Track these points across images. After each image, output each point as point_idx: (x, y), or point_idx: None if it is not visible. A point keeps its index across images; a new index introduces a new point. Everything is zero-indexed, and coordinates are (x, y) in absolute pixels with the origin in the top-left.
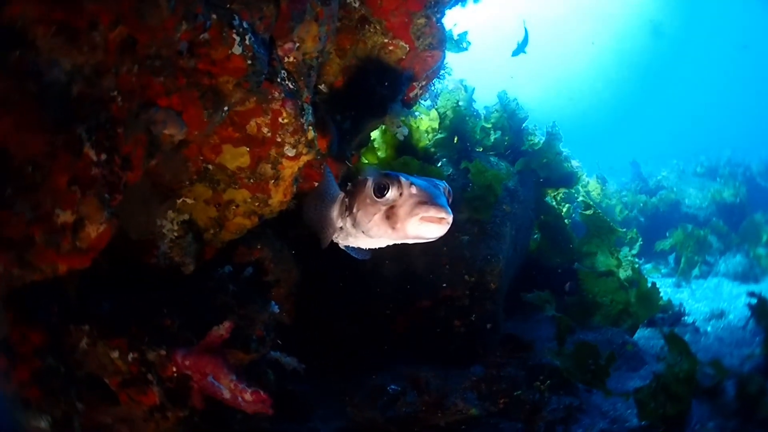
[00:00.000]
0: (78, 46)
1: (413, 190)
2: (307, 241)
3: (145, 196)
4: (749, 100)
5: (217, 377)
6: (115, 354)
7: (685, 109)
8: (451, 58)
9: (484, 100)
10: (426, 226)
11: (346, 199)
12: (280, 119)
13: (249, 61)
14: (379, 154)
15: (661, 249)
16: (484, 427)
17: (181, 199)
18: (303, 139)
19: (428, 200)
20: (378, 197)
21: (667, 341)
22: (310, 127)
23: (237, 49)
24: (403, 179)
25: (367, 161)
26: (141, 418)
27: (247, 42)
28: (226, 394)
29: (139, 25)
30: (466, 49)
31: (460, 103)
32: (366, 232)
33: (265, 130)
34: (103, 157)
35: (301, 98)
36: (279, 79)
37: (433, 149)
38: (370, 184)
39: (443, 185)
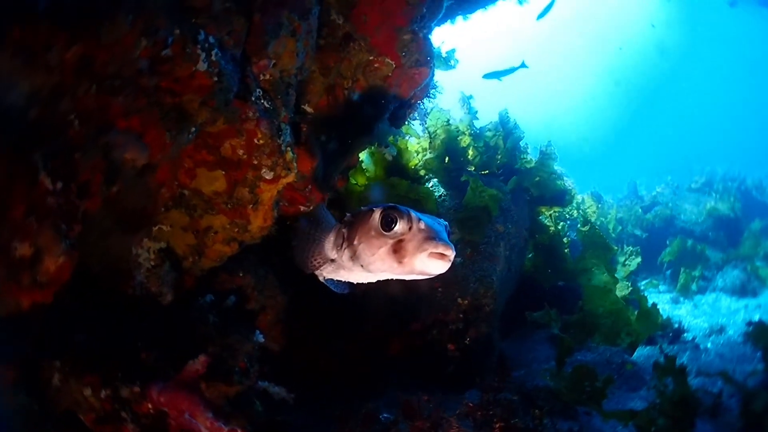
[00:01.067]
0: (36, 68)
1: (422, 225)
2: (293, 266)
3: (109, 224)
4: (749, 119)
5: (194, 414)
6: (88, 391)
7: (684, 128)
8: (442, 76)
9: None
10: (433, 262)
11: (344, 230)
12: (255, 140)
13: (215, 78)
14: (367, 174)
15: (660, 262)
16: None
17: (156, 227)
18: (281, 160)
19: (436, 236)
20: (385, 230)
21: (653, 369)
22: (289, 148)
23: (201, 66)
24: (413, 214)
25: (355, 182)
26: None
27: (213, 58)
28: None
29: (96, 42)
30: (453, 66)
31: (451, 122)
32: (366, 266)
33: (240, 152)
34: (59, 185)
35: (278, 118)
36: (253, 98)
37: (423, 170)
38: (377, 216)
39: (444, 223)
